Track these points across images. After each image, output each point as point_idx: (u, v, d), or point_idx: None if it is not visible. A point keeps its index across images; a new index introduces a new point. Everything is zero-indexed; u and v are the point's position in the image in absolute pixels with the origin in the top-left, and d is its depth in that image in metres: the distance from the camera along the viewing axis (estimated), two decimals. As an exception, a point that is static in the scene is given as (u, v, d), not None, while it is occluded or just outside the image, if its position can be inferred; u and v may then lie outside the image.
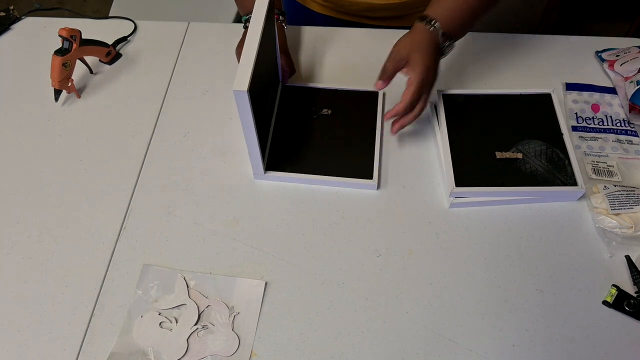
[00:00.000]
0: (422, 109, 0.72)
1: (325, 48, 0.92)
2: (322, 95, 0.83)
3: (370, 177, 0.73)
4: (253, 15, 0.65)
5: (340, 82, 0.86)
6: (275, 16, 0.82)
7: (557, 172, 0.71)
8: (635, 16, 1.82)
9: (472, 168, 0.73)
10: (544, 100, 0.80)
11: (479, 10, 0.72)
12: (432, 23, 0.70)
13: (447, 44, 0.72)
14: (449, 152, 0.74)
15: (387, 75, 0.71)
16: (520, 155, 0.73)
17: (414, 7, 0.93)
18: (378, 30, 0.93)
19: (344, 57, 0.90)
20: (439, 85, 0.85)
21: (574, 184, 0.70)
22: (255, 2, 0.66)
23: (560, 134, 0.75)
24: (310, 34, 0.94)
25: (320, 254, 0.68)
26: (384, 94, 0.84)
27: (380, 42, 0.92)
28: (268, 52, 0.71)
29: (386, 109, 0.83)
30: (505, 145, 0.75)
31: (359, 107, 0.82)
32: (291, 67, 0.84)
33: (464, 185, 0.70)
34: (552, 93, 0.80)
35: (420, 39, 0.71)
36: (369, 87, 0.84)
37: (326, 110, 0.81)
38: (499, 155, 0.74)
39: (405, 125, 0.73)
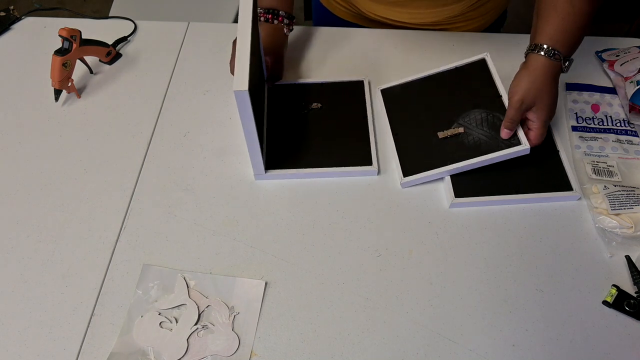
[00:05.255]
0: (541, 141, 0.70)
1: (305, 44, 0.92)
2: (309, 90, 0.84)
3: (369, 163, 0.74)
4: (240, 16, 0.64)
5: (324, 75, 0.86)
6: (280, 18, 0.81)
7: (499, 136, 0.70)
8: (635, 16, 1.82)
9: (416, 155, 0.73)
10: (480, 67, 0.78)
11: (588, 18, 0.67)
12: (552, 52, 0.66)
13: (567, 64, 0.69)
14: (394, 145, 0.75)
15: (514, 125, 0.69)
16: (461, 130, 0.72)
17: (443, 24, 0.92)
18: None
19: (324, 52, 0.91)
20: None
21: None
22: (240, 2, 0.66)
23: (498, 96, 0.73)
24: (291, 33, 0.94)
25: (320, 254, 0.68)
26: (369, 82, 0.84)
27: (358, 38, 0.92)
28: (256, 53, 0.71)
29: (373, 96, 0.83)
30: (446, 123, 0.74)
31: (347, 97, 0.82)
32: (281, 72, 0.83)
33: (410, 174, 0.71)
34: (485, 57, 0.78)
35: (543, 78, 0.67)
36: (354, 77, 0.84)
37: (316, 104, 0.81)
38: (441, 135, 0.73)
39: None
